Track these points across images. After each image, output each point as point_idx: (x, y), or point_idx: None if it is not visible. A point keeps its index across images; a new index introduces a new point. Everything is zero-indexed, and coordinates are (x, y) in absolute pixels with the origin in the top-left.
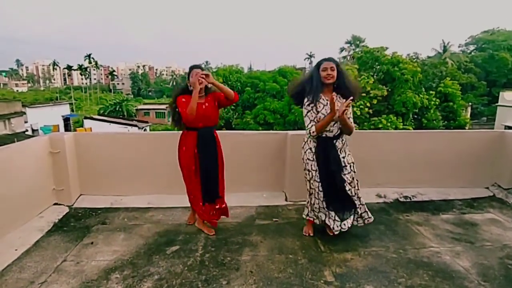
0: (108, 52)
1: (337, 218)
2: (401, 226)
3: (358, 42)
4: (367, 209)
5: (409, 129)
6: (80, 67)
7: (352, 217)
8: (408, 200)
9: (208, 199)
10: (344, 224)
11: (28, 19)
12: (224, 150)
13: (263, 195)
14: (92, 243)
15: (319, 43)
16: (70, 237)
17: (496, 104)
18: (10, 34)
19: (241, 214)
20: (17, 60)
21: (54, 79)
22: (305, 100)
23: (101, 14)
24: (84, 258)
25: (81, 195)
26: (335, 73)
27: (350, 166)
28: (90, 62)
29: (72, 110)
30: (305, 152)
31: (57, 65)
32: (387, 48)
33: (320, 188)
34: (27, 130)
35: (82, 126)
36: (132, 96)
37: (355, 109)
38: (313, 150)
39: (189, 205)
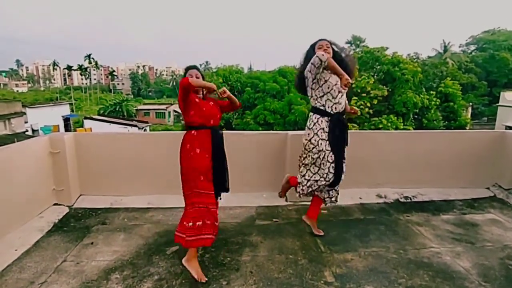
0: (108, 52)
1: (333, 193)
2: (401, 226)
3: (358, 42)
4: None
5: (409, 129)
6: (80, 67)
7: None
8: (409, 200)
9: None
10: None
11: (28, 19)
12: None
13: (263, 195)
14: (92, 243)
15: None
16: (70, 237)
17: (497, 104)
18: (10, 34)
19: (241, 215)
20: (17, 60)
21: (54, 79)
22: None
23: (101, 14)
24: (84, 258)
25: (81, 195)
26: (330, 50)
27: None
28: (90, 62)
29: (72, 110)
30: (315, 133)
31: (57, 65)
32: (387, 48)
33: (331, 170)
34: (27, 130)
35: (82, 126)
36: (132, 96)
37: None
38: (326, 129)
39: None
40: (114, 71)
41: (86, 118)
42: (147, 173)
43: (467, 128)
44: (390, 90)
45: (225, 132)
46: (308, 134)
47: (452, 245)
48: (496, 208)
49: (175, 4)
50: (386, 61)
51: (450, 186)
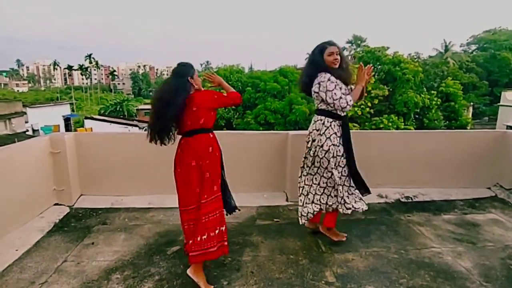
0: (108, 52)
1: (357, 198)
2: (402, 226)
3: (359, 42)
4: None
5: (410, 129)
6: (81, 67)
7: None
8: (410, 200)
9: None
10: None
11: (28, 19)
12: (225, 150)
13: (264, 195)
14: (92, 243)
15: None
16: (71, 237)
17: (498, 104)
18: (10, 34)
19: (242, 215)
20: (18, 60)
21: (54, 79)
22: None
23: (101, 14)
24: (84, 258)
25: (81, 195)
26: (339, 58)
27: None
28: (90, 62)
29: (73, 110)
30: (328, 138)
31: (57, 65)
32: (388, 47)
33: (345, 173)
34: (27, 130)
35: (82, 126)
36: (132, 96)
37: (356, 109)
38: (338, 133)
39: None
40: (114, 71)
41: (86, 118)
42: (148, 173)
43: (468, 128)
44: (391, 89)
45: (225, 132)
46: (320, 140)
47: (453, 245)
48: (497, 208)
49: (175, 4)
50: (387, 60)
51: (451, 186)
